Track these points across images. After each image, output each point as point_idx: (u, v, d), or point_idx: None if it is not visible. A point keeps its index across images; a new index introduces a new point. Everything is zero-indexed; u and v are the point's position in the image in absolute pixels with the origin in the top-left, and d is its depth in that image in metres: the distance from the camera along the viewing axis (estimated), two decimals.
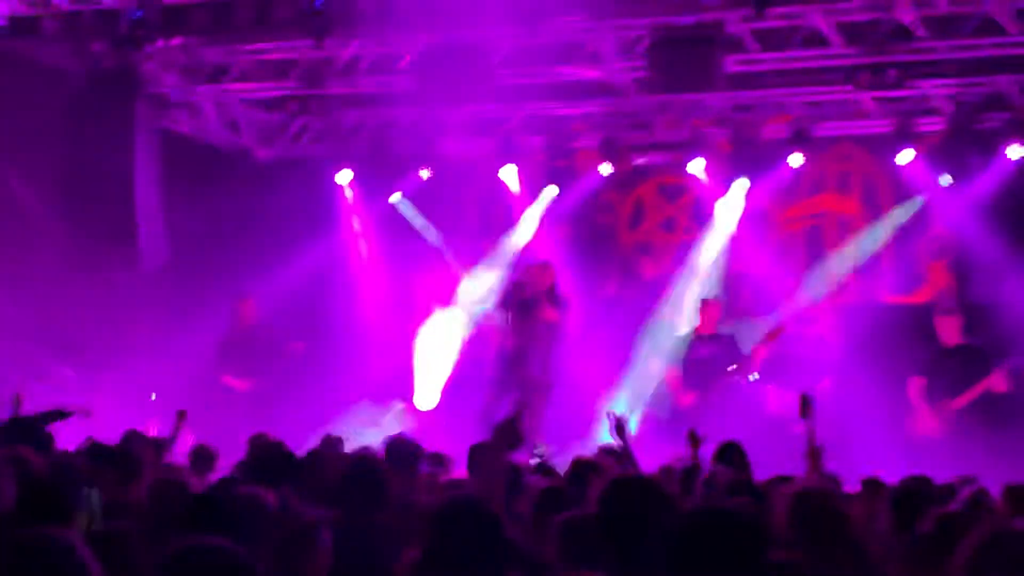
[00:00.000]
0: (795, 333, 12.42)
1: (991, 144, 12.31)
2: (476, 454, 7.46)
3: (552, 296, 11.75)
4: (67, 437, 8.93)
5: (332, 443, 8.30)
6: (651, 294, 13.92)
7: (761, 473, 6.90)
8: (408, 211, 14.82)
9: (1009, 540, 3.64)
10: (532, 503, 5.28)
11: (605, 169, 13.96)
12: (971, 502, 6.08)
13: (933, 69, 11.98)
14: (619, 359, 13.52)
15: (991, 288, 12.28)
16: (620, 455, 7.74)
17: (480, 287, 14.41)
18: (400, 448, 6.78)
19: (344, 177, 14.66)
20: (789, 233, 14.12)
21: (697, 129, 13.53)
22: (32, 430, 7.93)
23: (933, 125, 12.68)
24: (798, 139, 13.00)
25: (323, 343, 13.73)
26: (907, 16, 10.93)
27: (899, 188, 13.38)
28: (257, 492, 4.70)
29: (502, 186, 14.50)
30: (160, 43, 11.89)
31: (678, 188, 14.42)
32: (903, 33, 11.17)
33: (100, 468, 6.44)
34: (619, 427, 7.04)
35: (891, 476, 6.98)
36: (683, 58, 10.96)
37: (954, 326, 11.09)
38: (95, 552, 3.08)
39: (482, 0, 10.56)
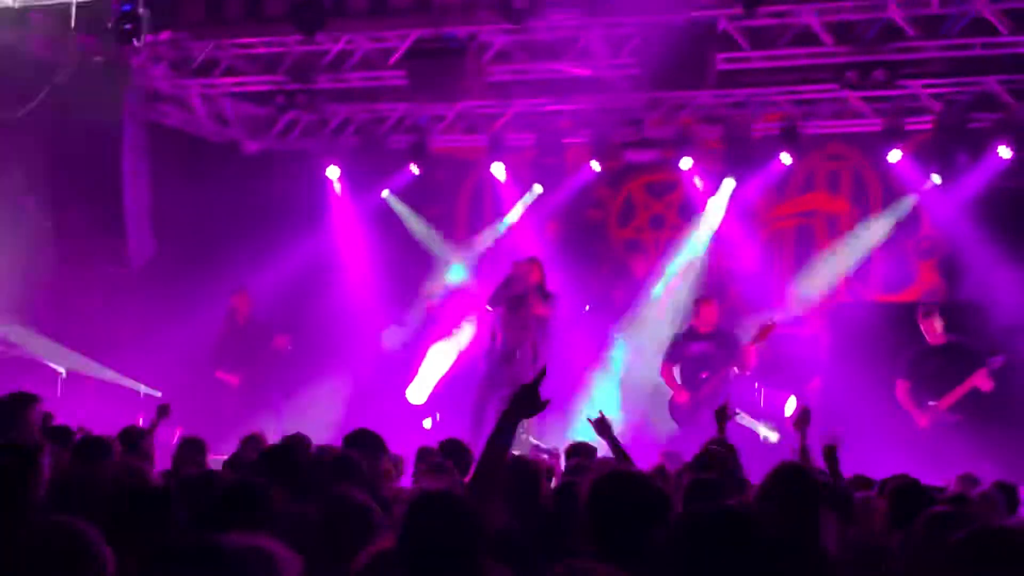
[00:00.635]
0: (785, 333, 12.42)
1: (980, 144, 12.32)
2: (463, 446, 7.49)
3: (542, 292, 11.73)
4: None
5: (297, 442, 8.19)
6: (640, 291, 13.92)
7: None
8: (397, 206, 14.80)
9: (1000, 538, 3.64)
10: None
11: (595, 166, 13.96)
12: (970, 501, 6.08)
13: (923, 68, 12.01)
14: (607, 355, 13.52)
15: (980, 287, 12.30)
16: (584, 451, 7.75)
17: (470, 282, 14.44)
18: (362, 439, 6.72)
19: (333, 172, 14.63)
20: (778, 231, 14.14)
21: (687, 127, 13.54)
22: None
23: (923, 124, 12.70)
24: (788, 137, 13.01)
25: (310, 337, 13.69)
26: (897, 15, 10.95)
27: (888, 187, 13.41)
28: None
29: (492, 182, 14.49)
30: (149, 37, 11.83)
31: (668, 185, 14.43)
32: (893, 32, 11.18)
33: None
34: (602, 426, 6.98)
35: (882, 475, 6.99)
36: (674, 55, 10.96)
37: (936, 326, 11.09)
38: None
39: None
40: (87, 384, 12.12)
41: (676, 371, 11.87)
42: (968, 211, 12.57)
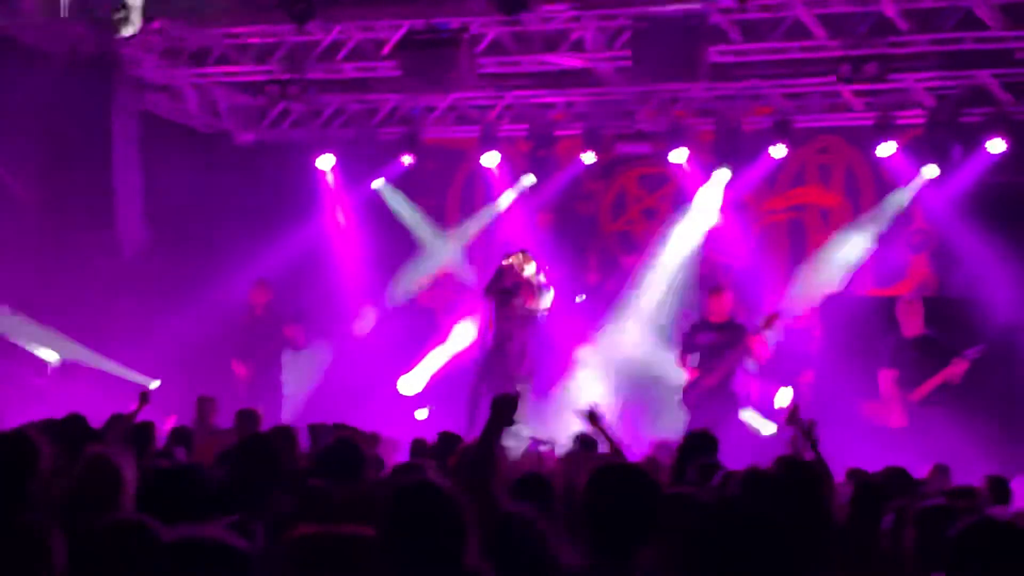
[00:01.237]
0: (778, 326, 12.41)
1: (973, 138, 12.35)
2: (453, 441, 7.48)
3: (536, 285, 11.73)
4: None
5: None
6: (632, 283, 13.93)
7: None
8: (390, 196, 14.78)
9: (988, 530, 3.66)
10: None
11: (587, 158, 13.95)
12: (946, 494, 6.12)
13: (915, 63, 12.02)
14: (599, 346, 13.54)
15: (972, 281, 12.33)
16: (586, 443, 7.75)
17: (459, 271, 14.46)
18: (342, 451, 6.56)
19: (325, 162, 14.60)
20: (770, 224, 14.15)
21: (679, 119, 13.53)
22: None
23: (915, 118, 12.72)
24: (780, 130, 13.02)
25: (303, 327, 13.67)
26: (890, 9, 10.96)
27: (880, 181, 13.43)
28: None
29: (484, 173, 14.48)
30: (140, 25, 11.78)
31: (660, 178, 14.42)
32: (886, 26, 11.19)
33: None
34: (593, 418, 6.98)
35: (872, 467, 7.02)
36: (667, 48, 10.96)
37: (916, 316, 11.09)
38: None
39: None
40: (79, 373, 12.09)
41: (691, 360, 11.80)
42: (960, 205, 12.60)
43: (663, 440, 9.06)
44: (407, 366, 13.88)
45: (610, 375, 13.28)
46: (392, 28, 12.08)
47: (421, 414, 13.21)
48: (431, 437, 8.07)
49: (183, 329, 12.54)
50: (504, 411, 4.71)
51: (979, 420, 10.56)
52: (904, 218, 13.27)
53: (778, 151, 13.16)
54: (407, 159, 14.33)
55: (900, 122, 12.76)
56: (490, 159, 14.14)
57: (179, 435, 8.36)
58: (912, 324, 11.07)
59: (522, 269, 11.66)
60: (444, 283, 14.77)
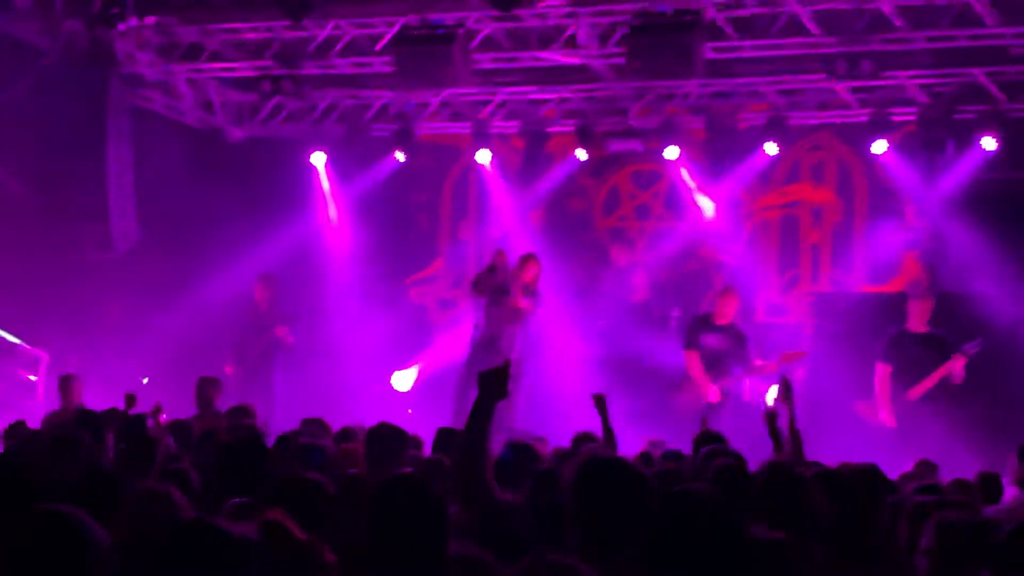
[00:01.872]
0: (769, 322, 12.42)
1: (966, 135, 12.34)
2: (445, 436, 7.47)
3: (530, 288, 11.72)
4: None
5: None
6: (624, 281, 13.92)
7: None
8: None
9: (972, 529, 3.67)
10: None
11: (580, 155, 13.94)
12: (932, 490, 6.11)
13: (910, 60, 12.02)
14: (590, 345, 13.52)
15: (963, 278, 12.34)
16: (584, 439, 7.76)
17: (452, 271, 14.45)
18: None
19: (318, 158, 14.59)
20: (764, 221, 14.16)
21: (672, 116, 13.53)
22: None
23: (909, 116, 12.72)
24: (773, 127, 13.01)
25: (295, 323, 13.65)
26: (885, 6, 10.96)
27: (873, 178, 13.43)
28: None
29: (477, 169, 14.47)
30: (134, 22, 11.78)
31: (653, 175, 14.43)
32: (881, 23, 11.19)
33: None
34: (601, 405, 7.07)
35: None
36: (662, 45, 10.95)
37: (923, 312, 11.07)
38: None
39: None
40: (71, 368, 12.06)
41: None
42: (952, 202, 12.61)
43: (657, 439, 9.04)
44: (400, 363, 13.87)
45: (601, 369, 13.27)
46: (387, 24, 12.06)
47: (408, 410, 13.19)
48: (424, 435, 8.06)
49: (175, 323, 12.53)
50: (493, 385, 4.69)
51: (970, 418, 10.55)
52: (897, 214, 13.28)
53: (771, 148, 13.16)
54: (400, 155, 14.32)
55: (894, 119, 12.76)
56: (483, 156, 14.13)
57: (177, 429, 8.26)
58: (920, 320, 11.04)
59: (525, 273, 11.65)
60: (436, 280, 14.77)
